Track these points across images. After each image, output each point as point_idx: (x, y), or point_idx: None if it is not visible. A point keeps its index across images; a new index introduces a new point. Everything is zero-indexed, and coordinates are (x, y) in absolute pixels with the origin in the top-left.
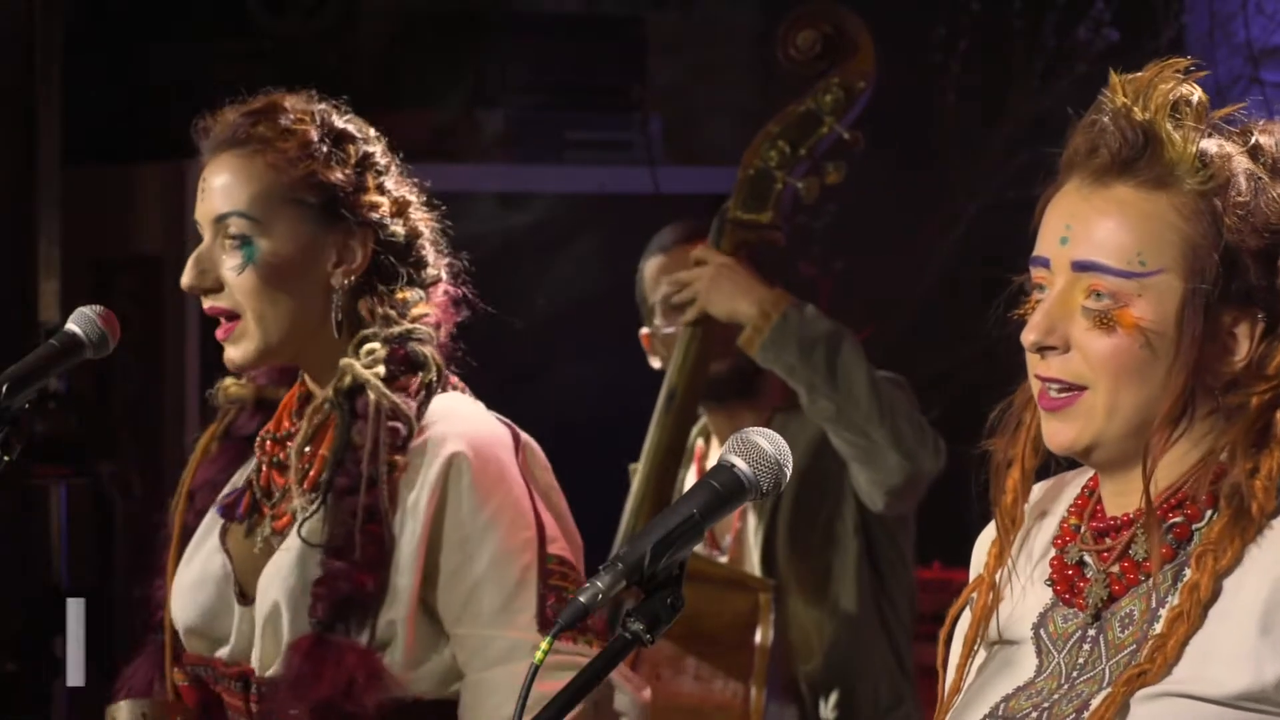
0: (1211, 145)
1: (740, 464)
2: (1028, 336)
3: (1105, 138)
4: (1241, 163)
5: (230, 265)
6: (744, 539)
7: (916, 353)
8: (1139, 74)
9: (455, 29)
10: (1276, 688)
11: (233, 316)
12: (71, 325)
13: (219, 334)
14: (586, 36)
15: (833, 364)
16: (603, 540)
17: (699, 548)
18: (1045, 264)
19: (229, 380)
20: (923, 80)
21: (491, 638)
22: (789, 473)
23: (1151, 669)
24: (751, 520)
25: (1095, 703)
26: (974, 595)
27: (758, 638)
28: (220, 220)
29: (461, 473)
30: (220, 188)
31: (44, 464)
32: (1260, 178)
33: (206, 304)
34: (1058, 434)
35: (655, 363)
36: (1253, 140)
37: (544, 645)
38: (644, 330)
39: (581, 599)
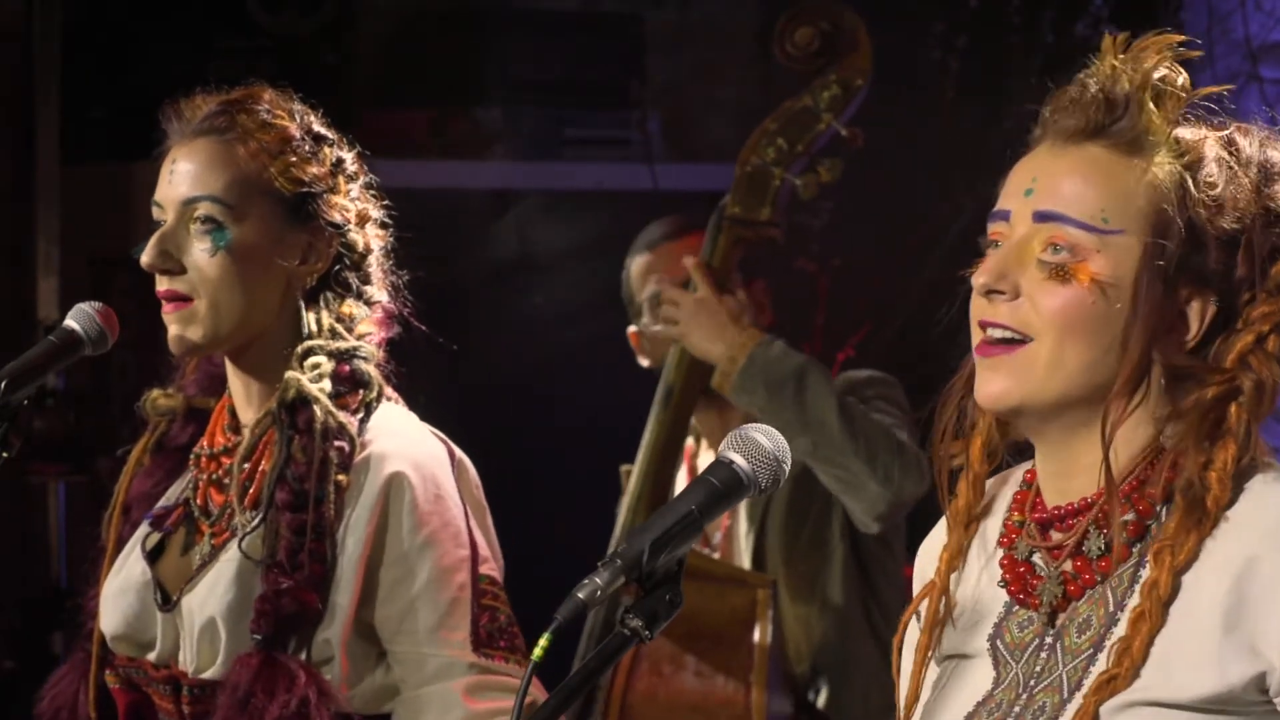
0: (1187, 127)
1: (739, 460)
2: (978, 279)
3: (1085, 99)
4: (1214, 149)
5: (200, 248)
6: (734, 537)
7: (913, 350)
8: (1133, 43)
9: (454, 26)
10: (1245, 688)
11: (184, 300)
12: (70, 322)
13: (166, 310)
14: (585, 34)
15: (801, 401)
16: (597, 540)
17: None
18: (1005, 217)
19: (156, 392)
20: (922, 76)
21: (427, 655)
22: (788, 469)
23: (1120, 673)
24: (743, 521)
25: (1066, 716)
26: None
27: (756, 634)
28: (189, 203)
29: (403, 491)
30: (193, 172)
31: (43, 461)
32: (1232, 166)
33: (162, 286)
34: (988, 384)
35: (644, 361)
36: (1229, 134)
37: (542, 642)
38: (631, 329)
39: (580, 595)
